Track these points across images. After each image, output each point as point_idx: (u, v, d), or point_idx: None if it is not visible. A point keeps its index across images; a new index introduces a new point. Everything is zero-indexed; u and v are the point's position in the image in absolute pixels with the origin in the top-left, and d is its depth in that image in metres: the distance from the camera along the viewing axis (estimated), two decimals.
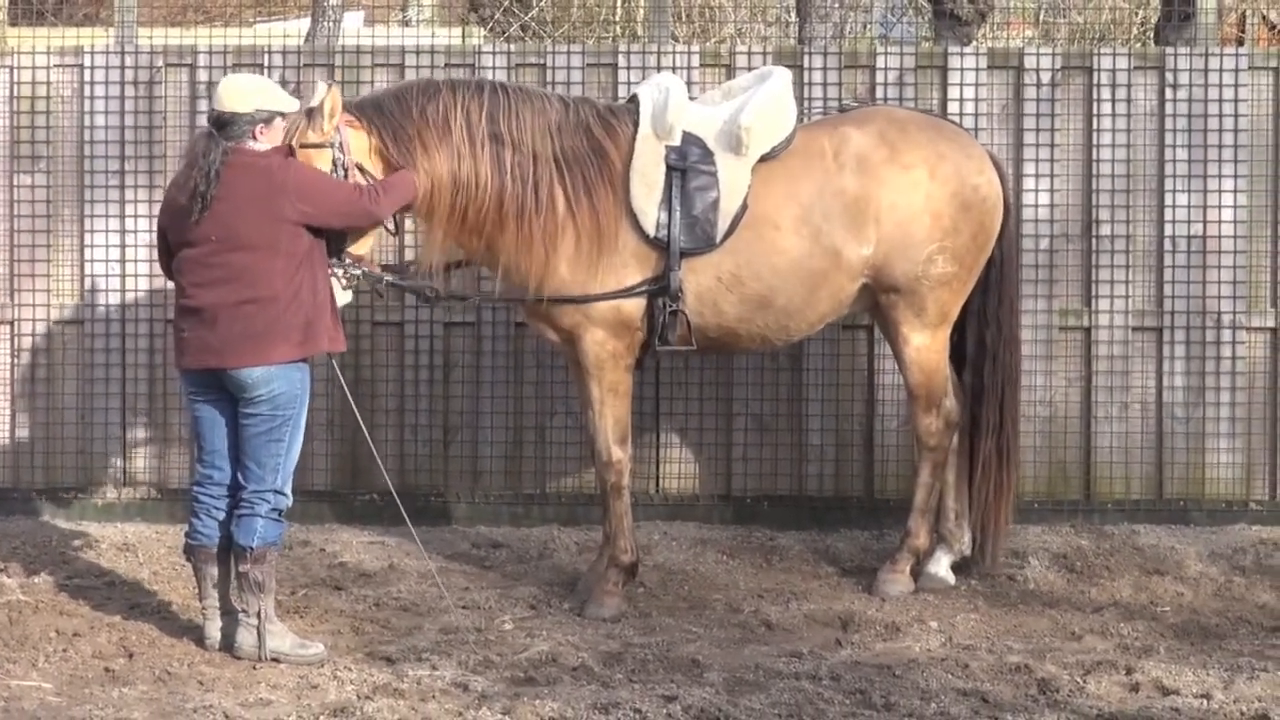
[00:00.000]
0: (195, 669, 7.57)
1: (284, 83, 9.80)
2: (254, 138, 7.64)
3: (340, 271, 7.95)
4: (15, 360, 10.04)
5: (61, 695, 7.28)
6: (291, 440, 7.74)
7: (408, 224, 8.81)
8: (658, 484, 10.00)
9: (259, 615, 7.70)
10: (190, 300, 7.66)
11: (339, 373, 8.48)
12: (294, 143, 7.90)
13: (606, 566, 8.55)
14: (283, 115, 7.74)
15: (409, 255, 9.51)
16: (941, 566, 8.94)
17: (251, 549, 7.68)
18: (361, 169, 8.04)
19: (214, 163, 7.54)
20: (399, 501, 8.38)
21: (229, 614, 7.82)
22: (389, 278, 8.46)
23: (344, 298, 8.01)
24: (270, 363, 7.59)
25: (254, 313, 7.56)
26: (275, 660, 7.66)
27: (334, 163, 7.96)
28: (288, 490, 7.79)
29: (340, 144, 7.98)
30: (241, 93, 7.70)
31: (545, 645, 7.90)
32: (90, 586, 8.69)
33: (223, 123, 7.65)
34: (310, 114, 7.98)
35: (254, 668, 7.59)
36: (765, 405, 9.98)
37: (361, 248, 8.09)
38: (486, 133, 8.27)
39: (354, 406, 8.48)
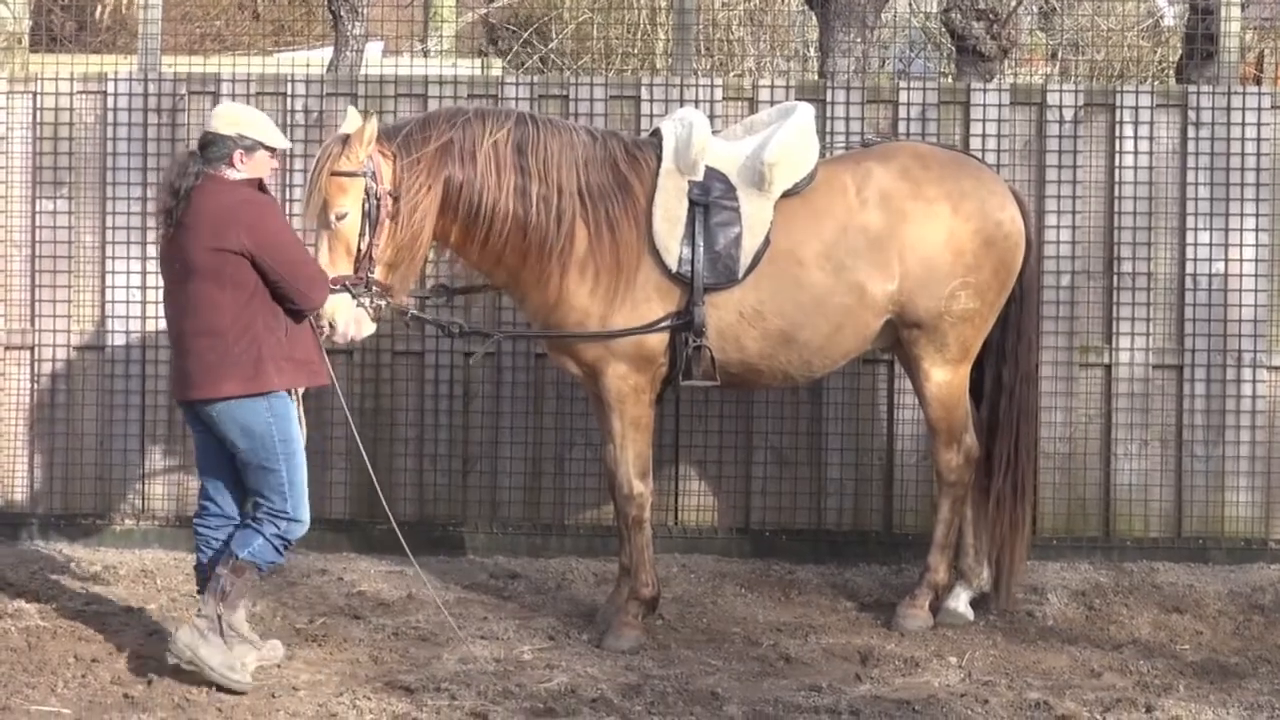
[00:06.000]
0: (214, 695, 7.55)
1: (306, 111, 9.84)
2: (233, 164, 7.54)
3: (367, 301, 7.95)
4: (35, 386, 10.06)
5: None
6: (289, 468, 7.62)
7: (430, 254, 8.78)
8: (676, 516, 9.99)
9: (208, 619, 7.59)
10: (168, 330, 7.69)
11: (345, 402, 8.44)
12: (328, 169, 7.90)
13: (627, 599, 8.53)
14: (269, 149, 7.63)
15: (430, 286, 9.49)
16: (961, 602, 8.91)
17: (237, 557, 7.60)
18: (395, 197, 8.03)
19: (186, 181, 7.48)
20: (399, 532, 8.22)
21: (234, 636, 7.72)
22: (413, 310, 8.45)
23: (369, 328, 8.01)
24: (218, 397, 7.50)
25: (206, 346, 7.49)
26: (192, 665, 7.54)
27: (367, 192, 7.96)
28: (303, 516, 7.68)
29: (373, 173, 7.98)
30: (229, 118, 7.64)
31: (564, 677, 7.89)
32: (109, 613, 8.68)
33: (205, 143, 7.60)
34: (345, 141, 7.99)
35: (273, 695, 7.57)
36: (784, 438, 9.97)
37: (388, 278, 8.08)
38: (512, 164, 8.25)
39: (356, 434, 8.40)
